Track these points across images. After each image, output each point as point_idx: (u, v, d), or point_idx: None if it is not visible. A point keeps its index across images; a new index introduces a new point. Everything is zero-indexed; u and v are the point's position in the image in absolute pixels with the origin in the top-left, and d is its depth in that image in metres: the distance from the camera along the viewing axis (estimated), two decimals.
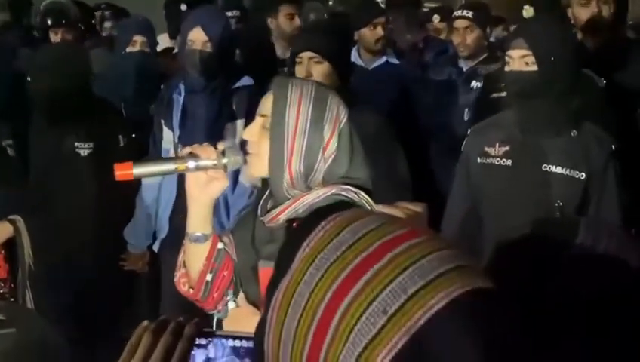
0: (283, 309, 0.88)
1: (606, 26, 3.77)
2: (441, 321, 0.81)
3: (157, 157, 3.56)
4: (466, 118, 4.56)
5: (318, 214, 1.97)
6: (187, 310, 2.28)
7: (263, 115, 2.09)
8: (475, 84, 4.66)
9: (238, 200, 3.54)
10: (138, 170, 2.03)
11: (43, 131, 3.85)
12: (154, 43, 4.75)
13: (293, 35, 4.71)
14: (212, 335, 1.28)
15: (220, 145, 2.10)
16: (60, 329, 1.53)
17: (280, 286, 0.89)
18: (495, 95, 3.86)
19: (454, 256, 0.86)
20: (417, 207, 2.09)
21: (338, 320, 0.82)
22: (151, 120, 3.97)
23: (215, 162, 2.07)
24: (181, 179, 3.11)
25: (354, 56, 4.60)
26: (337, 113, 2.08)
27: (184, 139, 3.51)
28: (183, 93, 3.70)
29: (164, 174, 2.64)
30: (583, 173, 2.93)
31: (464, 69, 4.84)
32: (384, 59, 4.92)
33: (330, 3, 6.47)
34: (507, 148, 3.04)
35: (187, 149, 2.10)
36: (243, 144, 2.19)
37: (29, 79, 3.88)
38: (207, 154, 2.07)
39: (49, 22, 5.29)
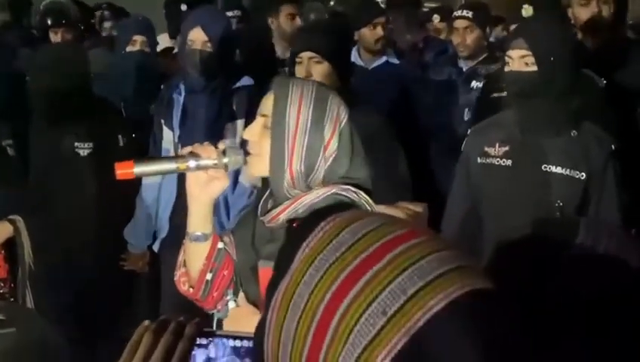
0: (282, 310, 0.88)
1: (606, 26, 3.77)
2: (441, 322, 0.81)
3: (158, 156, 3.56)
4: (465, 118, 4.56)
5: (317, 215, 1.97)
6: (187, 310, 2.28)
7: (263, 115, 2.09)
8: (474, 84, 4.66)
9: (238, 200, 3.54)
10: (139, 169, 2.04)
11: (43, 131, 3.85)
12: (154, 43, 4.75)
13: (294, 35, 4.71)
14: (213, 335, 1.28)
15: (221, 145, 2.11)
16: (60, 329, 1.53)
17: (279, 286, 0.89)
18: (496, 95, 3.85)
19: (454, 257, 0.86)
20: (417, 207, 2.09)
21: (337, 321, 0.82)
22: (151, 120, 3.97)
23: (216, 161, 2.07)
24: (181, 179, 3.11)
25: (354, 56, 4.60)
26: (338, 113, 2.08)
27: (184, 139, 3.52)
28: (183, 93, 3.71)
29: (165, 173, 2.64)
30: (583, 173, 2.93)
31: (464, 69, 4.84)
32: (384, 59, 4.93)
33: (332, 3, 6.47)
34: (507, 148, 3.04)
35: (188, 148, 2.10)
36: (243, 144, 2.19)
37: (28, 79, 3.88)
38: (208, 154, 2.07)
39: (49, 22, 5.29)
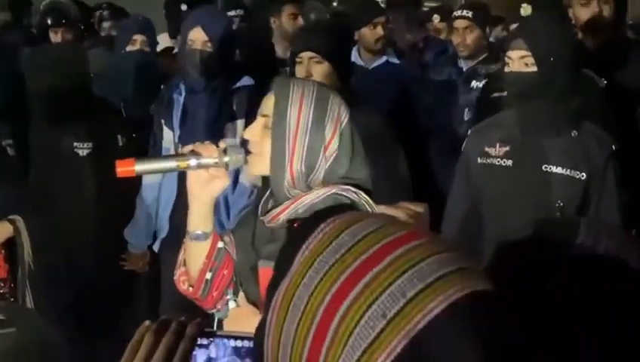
0: (282, 311, 0.88)
1: (606, 26, 3.76)
2: (441, 325, 0.81)
3: (159, 154, 3.57)
4: (466, 118, 4.56)
5: (317, 216, 1.97)
6: (187, 309, 2.28)
7: (264, 115, 2.10)
8: (474, 83, 4.66)
9: (238, 199, 3.54)
10: (140, 167, 2.04)
11: (42, 131, 3.85)
12: (154, 42, 4.75)
13: (295, 35, 4.72)
14: (214, 335, 1.28)
15: (222, 144, 2.11)
16: (60, 329, 1.53)
17: (279, 288, 0.89)
18: (496, 94, 3.85)
19: (454, 259, 0.86)
20: (418, 207, 2.09)
21: (337, 324, 0.82)
22: (151, 120, 3.97)
23: (217, 160, 2.07)
24: (181, 178, 3.11)
25: (354, 56, 4.60)
26: (339, 113, 2.08)
27: (184, 139, 3.51)
28: (183, 93, 3.71)
29: (165, 171, 2.64)
30: (584, 174, 2.93)
31: (464, 69, 4.84)
32: (384, 58, 4.93)
33: (334, 4, 6.47)
34: (507, 148, 3.04)
35: (189, 147, 2.10)
36: (244, 143, 2.19)
37: (27, 79, 3.88)
38: (209, 153, 2.07)
39: (49, 21, 5.30)
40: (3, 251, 3.57)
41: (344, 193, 2.03)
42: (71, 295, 3.75)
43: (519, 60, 2.94)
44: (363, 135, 2.17)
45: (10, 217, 3.57)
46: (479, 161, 3.10)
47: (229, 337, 1.27)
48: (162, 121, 3.75)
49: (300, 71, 3.32)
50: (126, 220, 3.90)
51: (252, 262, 2.16)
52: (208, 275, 2.20)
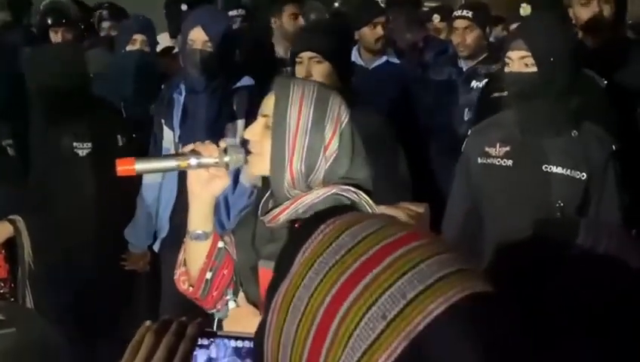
0: (282, 312, 0.88)
1: (607, 26, 3.76)
2: (441, 326, 0.81)
3: (159, 154, 3.57)
4: (466, 118, 4.56)
5: (318, 217, 1.97)
6: (187, 309, 2.28)
7: (264, 115, 2.10)
8: (475, 83, 4.66)
9: (238, 200, 3.54)
10: (140, 166, 2.04)
11: (42, 131, 3.85)
12: (154, 42, 4.75)
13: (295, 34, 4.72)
14: (214, 335, 1.28)
15: (222, 143, 2.11)
16: (60, 328, 1.53)
17: (279, 289, 0.89)
18: (497, 94, 3.85)
19: (454, 260, 0.86)
20: (419, 208, 2.09)
21: (337, 325, 0.82)
22: (151, 120, 3.97)
23: (217, 160, 2.07)
24: (182, 178, 3.11)
25: (354, 56, 4.60)
26: (339, 113, 2.08)
27: (185, 139, 3.51)
28: (183, 93, 3.71)
29: (166, 171, 2.64)
30: (584, 174, 2.93)
31: (464, 69, 4.84)
32: (384, 58, 4.93)
33: (336, 4, 6.47)
34: (508, 148, 3.04)
35: (189, 146, 2.10)
36: (244, 143, 2.19)
37: (26, 78, 3.88)
38: (210, 152, 2.07)
39: (49, 21, 5.30)
40: (3, 251, 3.57)
41: (344, 193, 2.03)
42: (71, 295, 3.75)
43: (519, 61, 2.94)
44: (363, 135, 2.17)
45: (11, 217, 3.57)
46: (479, 161, 3.10)
47: (229, 337, 1.27)
48: (162, 121, 3.75)
49: (300, 71, 3.32)
50: (126, 220, 3.90)
51: (252, 262, 2.16)
52: (208, 275, 2.20)
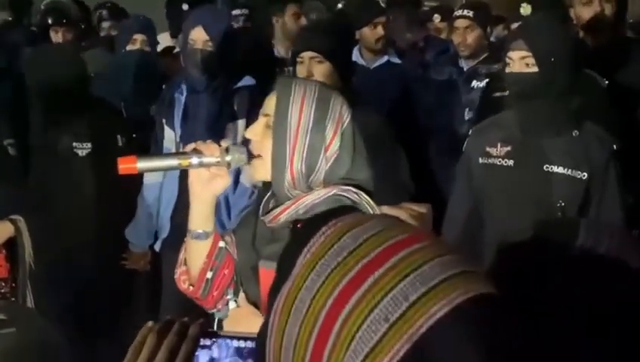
0: (284, 315, 0.88)
1: (608, 26, 3.76)
2: (443, 328, 0.81)
3: (160, 153, 3.57)
4: (466, 118, 4.56)
5: (320, 218, 1.97)
6: (188, 309, 2.29)
7: (266, 115, 2.09)
8: (475, 83, 4.65)
9: (239, 200, 3.55)
10: (142, 165, 2.04)
11: (41, 131, 3.85)
12: (154, 42, 4.75)
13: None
14: (216, 335, 1.28)
15: (224, 143, 2.11)
16: (60, 328, 1.53)
17: (281, 291, 0.89)
18: (498, 94, 3.85)
19: (456, 262, 0.86)
20: (421, 208, 2.09)
21: (339, 328, 0.82)
22: (151, 120, 3.97)
23: (218, 159, 2.07)
24: (183, 178, 3.11)
25: (355, 56, 4.60)
26: (340, 113, 2.08)
27: (186, 139, 3.51)
28: (184, 93, 3.71)
29: (167, 169, 2.64)
30: (585, 173, 2.93)
31: (465, 69, 4.84)
32: (385, 58, 4.93)
33: (340, 5, 6.46)
34: (509, 148, 3.03)
35: (191, 145, 2.10)
36: (245, 143, 2.19)
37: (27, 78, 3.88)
38: (211, 151, 2.07)
39: (50, 21, 5.30)
40: (4, 251, 3.57)
41: (345, 194, 2.03)
42: (71, 295, 3.75)
43: (520, 61, 2.94)
44: (362, 135, 2.16)
45: (12, 217, 3.57)
46: (480, 161, 3.10)
47: (231, 338, 1.27)
48: (164, 121, 3.75)
49: (301, 71, 3.32)
50: (127, 220, 3.90)
51: (253, 262, 2.15)
52: (209, 274, 2.20)
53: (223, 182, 2.12)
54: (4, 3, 6.34)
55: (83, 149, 3.82)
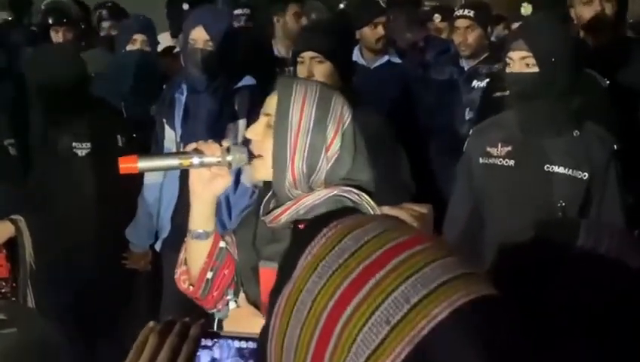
0: (286, 317, 0.87)
1: (609, 25, 3.76)
2: (445, 331, 0.80)
3: (161, 152, 3.57)
4: (467, 118, 4.56)
5: (322, 219, 1.97)
6: (188, 309, 2.29)
7: (267, 114, 2.09)
8: (476, 83, 4.65)
9: (239, 200, 3.55)
10: (142, 164, 2.04)
11: (41, 131, 3.85)
12: (154, 42, 4.75)
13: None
14: (217, 336, 1.28)
15: (225, 143, 2.11)
16: (60, 328, 1.53)
17: (282, 293, 0.89)
18: (499, 94, 3.85)
19: (458, 264, 0.85)
20: (423, 208, 2.08)
21: (340, 330, 0.82)
22: (151, 119, 3.96)
23: (219, 159, 2.07)
24: (183, 178, 3.11)
25: (356, 56, 4.60)
26: (341, 113, 2.08)
27: (186, 139, 3.51)
28: (185, 93, 3.71)
29: (168, 169, 2.64)
30: (586, 173, 2.93)
31: (465, 69, 4.83)
32: (386, 58, 4.92)
33: (341, 5, 6.46)
34: (509, 148, 3.03)
35: (192, 145, 2.10)
36: (246, 143, 2.19)
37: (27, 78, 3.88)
38: (212, 151, 2.07)
39: (50, 21, 5.30)
40: (5, 251, 3.57)
41: (346, 195, 2.03)
42: (71, 295, 3.75)
43: (520, 61, 2.94)
44: (363, 135, 2.16)
45: (12, 217, 3.57)
46: (481, 161, 3.10)
47: (233, 338, 1.27)
48: (164, 121, 3.75)
49: (301, 71, 3.32)
50: (127, 220, 3.90)
51: (253, 262, 2.15)
52: (209, 274, 2.20)
53: (223, 182, 2.12)
54: (4, 3, 6.34)
55: (82, 149, 3.82)
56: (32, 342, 1.39)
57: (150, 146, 3.84)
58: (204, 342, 1.22)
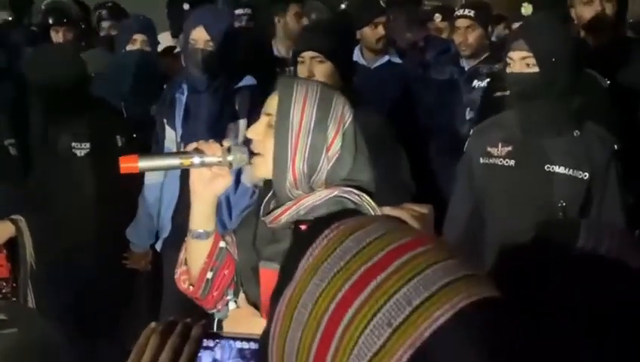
0: (287, 319, 0.87)
1: (609, 25, 3.76)
2: (446, 333, 0.80)
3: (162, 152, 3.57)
4: (467, 118, 4.55)
5: (323, 221, 1.96)
6: (189, 309, 2.29)
7: (268, 114, 2.09)
8: (476, 83, 4.65)
9: (240, 200, 3.55)
10: (143, 164, 2.04)
11: (41, 131, 3.85)
12: (154, 42, 4.74)
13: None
14: (219, 336, 1.28)
15: (226, 143, 2.10)
16: (60, 328, 1.53)
17: (284, 295, 0.89)
18: (499, 94, 3.85)
19: (460, 265, 0.85)
20: (423, 209, 2.08)
21: (342, 332, 0.82)
22: (151, 119, 3.96)
23: (220, 159, 2.07)
24: (184, 178, 3.11)
25: (356, 56, 4.60)
26: (342, 113, 2.08)
27: (187, 139, 3.51)
28: (185, 93, 3.71)
29: (169, 168, 2.63)
30: (586, 173, 2.93)
31: (466, 68, 4.83)
32: (386, 58, 4.92)
33: (343, 6, 6.46)
34: (510, 148, 3.03)
35: (193, 145, 2.10)
36: (247, 143, 2.19)
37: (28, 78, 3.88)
38: (213, 151, 2.07)
39: (50, 21, 5.31)
40: (5, 251, 3.57)
41: (346, 195, 2.02)
42: (71, 295, 3.75)
43: (520, 61, 2.94)
44: (363, 135, 2.16)
45: (13, 217, 3.57)
46: (481, 161, 3.10)
47: (234, 339, 1.27)
48: (165, 121, 3.75)
49: (302, 70, 3.32)
50: (127, 220, 3.90)
51: (253, 262, 2.15)
52: (209, 274, 2.20)
53: (224, 181, 2.12)
54: (4, 3, 6.35)
55: (81, 149, 3.82)
56: (33, 342, 1.40)
57: (150, 146, 3.84)
58: (205, 342, 1.22)
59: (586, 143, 2.96)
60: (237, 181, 3.48)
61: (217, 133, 3.38)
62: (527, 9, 4.83)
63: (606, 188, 2.96)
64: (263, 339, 0.92)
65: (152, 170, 2.24)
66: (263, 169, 2.09)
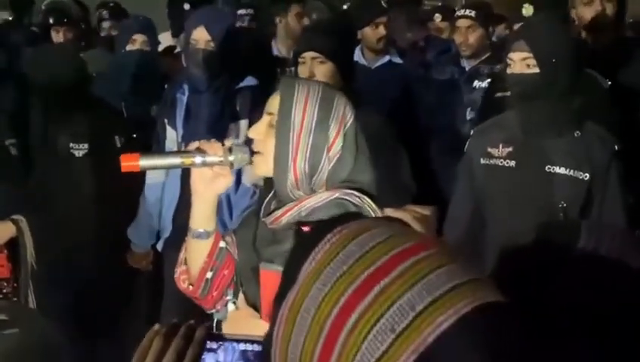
0: (289, 324, 0.87)
1: (610, 25, 3.76)
2: (450, 339, 0.80)
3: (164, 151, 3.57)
4: (468, 118, 4.55)
5: (326, 224, 1.96)
6: (189, 309, 2.28)
7: (270, 113, 2.09)
8: (477, 83, 4.65)
9: (240, 200, 3.55)
10: (144, 162, 2.04)
11: (41, 131, 3.85)
12: (154, 42, 4.75)
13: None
14: (222, 339, 1.27)
15: (227, 142, 2.10)
16: (60, 328, 1.53)
17: (286, 299, 0.88)
18: (500, 94, 3.85)
19: (463, 270, 0.85)
20: (426, 210, 2.08)
21: (345, 337, 0.82)
22: (152, 119, 3.96)
23: (222, 158, 2.07)
24: (185, 178, 3.11)
25: (357, 56, 4.59)
26: (343, 113, 2.08)
27: (187, 139, 3.51)
28: (186, 93, 3.71)
29: (170, 167, 2.63)
30: (587, 174, 2.93)
31: (466, 69, 4.83)
32: (387, 58, 4.92)
33: (345, 7, 6.46)
34: (510, 149, 3.03)
35: (194, 144, 2.10)
36: (248, 142, 2.19)
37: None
38: (214, 150, 2.07)
39: (51, 21, 5.31)
40: (6, 251, 3.57)
41: (347, 198, 2.02)
42: (71, 295, 3.75)
43: (521, 62, 2.94)
44: (365, 137, 2.16)
45: (13, 217, 3.57)
46: (482, 161, 3.10)
47: (237, 341, 1.27)
48: (165, 121, 3.75)
49: (303, 71, 3.32)
50: (128, 220, 3.90)
51: (253, 263, 2.15)
52: (209, 274, 2.19)
53: (225, 181, 2.12)
54: (4, 3, 6.35)
55: (80, 150, 3.82)
56: (34, 343, 1.40)
57: (151, 146, 3.84)
58: (209, 344, 1.22)
59: (587, 144, 2.96)
60: (238, 181, 3.49)
61: (218, 133, 3.37)
62: (528, 10, 4.82)
63: (607, 189, 2.96)
64: (266, 343, 0.91)
65: (153, 168, 2.24)
66: (263, 167, 2.09)
